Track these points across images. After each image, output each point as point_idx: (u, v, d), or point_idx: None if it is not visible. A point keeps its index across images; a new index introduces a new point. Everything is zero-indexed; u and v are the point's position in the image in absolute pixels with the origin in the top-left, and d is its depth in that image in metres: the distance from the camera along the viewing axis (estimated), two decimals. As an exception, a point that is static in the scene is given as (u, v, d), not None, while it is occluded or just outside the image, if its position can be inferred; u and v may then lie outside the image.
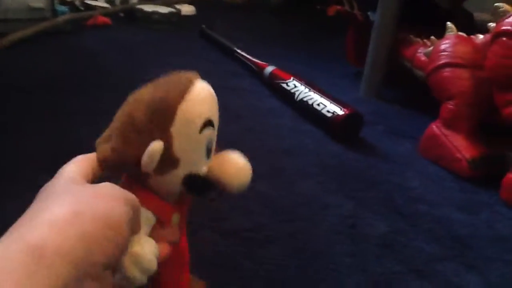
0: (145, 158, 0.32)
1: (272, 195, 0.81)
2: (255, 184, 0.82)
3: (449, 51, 1.04)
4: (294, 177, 0.89)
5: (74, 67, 1.34)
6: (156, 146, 0.31)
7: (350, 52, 1.60)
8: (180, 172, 0.34)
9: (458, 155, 0.96)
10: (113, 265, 0.26)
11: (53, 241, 0.22)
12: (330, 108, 1.09)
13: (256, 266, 0.63)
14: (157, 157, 0.32)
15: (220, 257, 0.64)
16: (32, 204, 0.27)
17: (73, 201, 0.25)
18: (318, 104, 1.12)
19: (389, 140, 1.12)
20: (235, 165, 0.37)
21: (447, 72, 1.02)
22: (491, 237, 0.77)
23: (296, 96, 1.19)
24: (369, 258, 0.68)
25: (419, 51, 1.24)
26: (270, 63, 1.38)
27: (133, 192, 0.31)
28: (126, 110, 0.34)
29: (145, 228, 0.33)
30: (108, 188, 0.29)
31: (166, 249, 0.34)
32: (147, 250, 0.30)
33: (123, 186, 0.31)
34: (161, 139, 0.32)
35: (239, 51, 1.56)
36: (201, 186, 0.36)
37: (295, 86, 1.22)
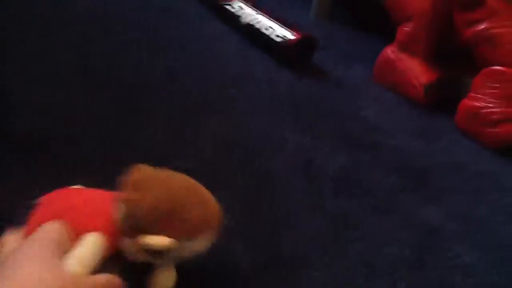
0: None
1: (223, 131, 0.73)
2: (203, 117, 0.75)
3: (407, -33, 0.95)
4: (245, 109, 0.81)
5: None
6: None
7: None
8: None
9: (414, 81, 0.92)
10: None
11: None
12: (279, 32, 1.00)
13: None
14: None
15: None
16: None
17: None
18: (267, 29, 1.02)
19: (342, 65, 1.06)
20: None
21: (405, -10, 0.95)
22: (450, 165, 0.75)
23: (241, 20, 1.08)
24: (328, 196, 0.63)
25: (373, -33, 1.15)
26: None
27: None
28: None
29: None
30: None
31: None
32: None
33: None
34: None
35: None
36: None
37: (241, 8, 1.10)
